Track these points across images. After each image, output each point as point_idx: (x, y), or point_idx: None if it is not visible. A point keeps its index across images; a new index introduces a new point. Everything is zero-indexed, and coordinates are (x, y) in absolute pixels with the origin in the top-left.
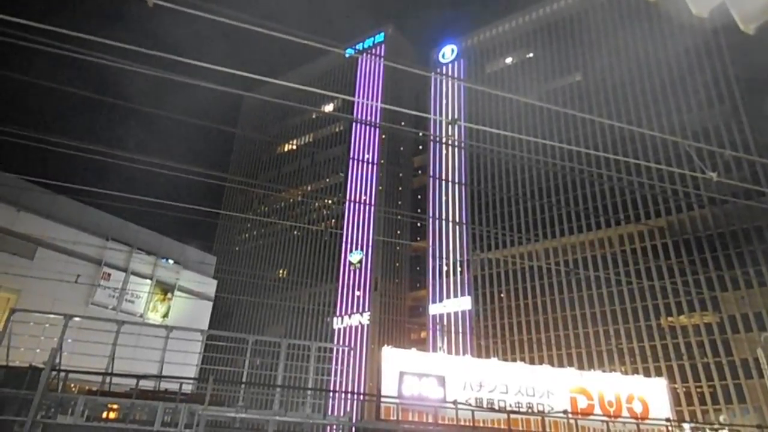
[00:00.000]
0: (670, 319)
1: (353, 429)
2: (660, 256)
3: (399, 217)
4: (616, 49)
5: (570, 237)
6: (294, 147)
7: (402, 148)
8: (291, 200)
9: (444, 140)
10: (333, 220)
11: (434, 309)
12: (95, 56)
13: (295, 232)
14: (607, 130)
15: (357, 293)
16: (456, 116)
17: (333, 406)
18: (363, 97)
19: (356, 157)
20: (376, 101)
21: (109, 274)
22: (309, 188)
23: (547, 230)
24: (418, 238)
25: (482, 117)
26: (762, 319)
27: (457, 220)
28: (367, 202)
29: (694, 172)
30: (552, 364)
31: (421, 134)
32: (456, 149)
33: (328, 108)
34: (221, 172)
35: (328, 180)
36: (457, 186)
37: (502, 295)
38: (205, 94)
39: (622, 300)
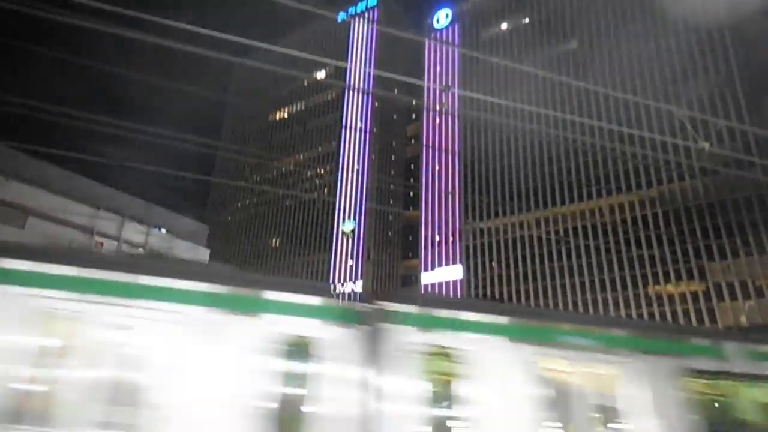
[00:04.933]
0: (657, 287)
1: None
2: (650, 226)
3: (392, 186)
4: (612, 17)
5: (561, 207)
6: (286, 115)
7: (395, 117)
8: (283, 169)
9: (438, 108)
10: (325, 189)
11: (426, 278)
12: (79, 19)
13: (288, 202)
14: (601, 99)
15: (350, 262)
16: (450, 83)
17: None
18: (355, 64)
19: (349, 125)
20: (369, 67)
21: (102, 243)
22: (301, 157)
23: (539, 200)
24: (411, 208)
25: (477, 84)
26: (747, 287)
27: (450, 189)
28: (360, 171)
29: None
30: None
31: (414, 102)
32: (450, 118)
33: (320, 75)
34: (212, 141)
35: (320, 149)
36: (450, 155)
37: (493, 264)
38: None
39: (611, 269)
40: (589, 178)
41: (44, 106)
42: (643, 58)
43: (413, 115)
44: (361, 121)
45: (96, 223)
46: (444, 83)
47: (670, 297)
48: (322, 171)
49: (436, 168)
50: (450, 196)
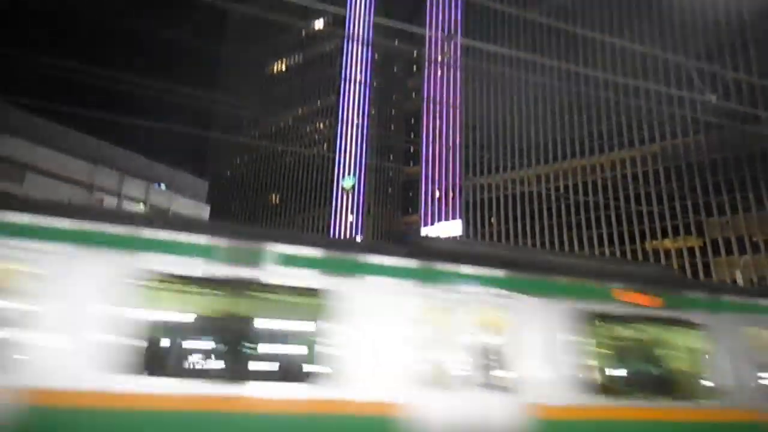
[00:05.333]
0: (654, 242)
1: None
2: (650, 182)
3: (392, 141)
4: None
5: (563, 162)
6: (284, 68)
7: (396, 70)
8: (282, 124)
9: (440, 59)
10: (325, 145)
11: (426, 233)
12: None
13: (288, 158)
14: (607, 49)
15: (350, 218)
16: (452, 32)
17: None
18: (355, 12)
19: (348, 78)
20: (369, 15)
21: (102, 200)
22: (300, 111)
23: (540, 155)
24: (411, 163)
25: (480, 34)
26: (743, 243)
27: (451, 144)
28: (360, 125)
29: (694, 93)
30: None
31: (415, 54)
32: (452, 70)
33: (319, 24)
34: (209, 95)
35: (319, 103)
36: (451, 109)
37: (492, 219)
38: (191, 11)
39: (609, 224)
40: (591, 133)
41: (40, 60)
42: (652, 9)
43: (414, 68)
44: (361, 73)
45: (95, 179)
46: (446, 32)
47: (667, 252)
48: (322, 126)
49: (437, 123)
50: (450, 151)
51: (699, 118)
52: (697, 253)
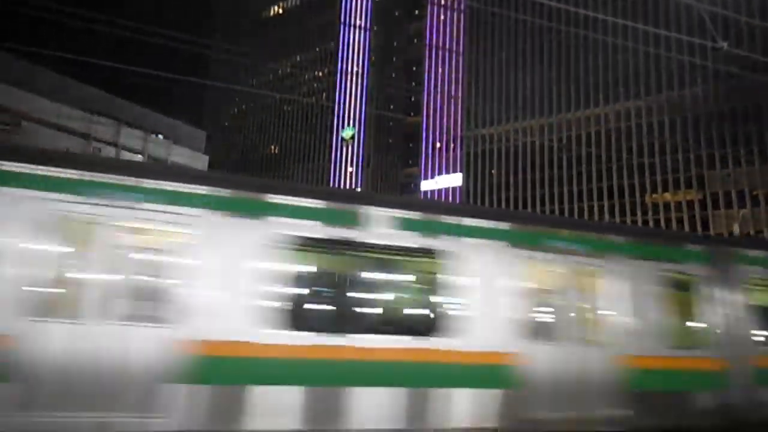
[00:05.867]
0: (654, 195)
1: None
2: (654, 134)
3: (393, 90)
4: None
5: (567, 113)
6: (280, 11)
7: (397, 14)
8: (279, 72)
9: (443, 1)
10: (324, 94)
11: (426, 185)
12: None
13: (286, 107)
14: None
15: (350, 169)
16: None
17: None
18: None
19: (348, 22)
20: None
21: (100, 149)
22: (298, 58)
23: (544, 106)
24: (412, 113)
25: None
26: (744, 196)
27: (453, 93)
28: (360, 73)
29: (705, 40)
30: None
31: None
32: (455, 13)
33: None
34: (202, 40)
35: (317, 49)
36: (454, 56)
37: (493, 171)
38: None
39: (610, 177)
40: (597, 83)
41: (34, 6)
42: None
43: (416, 11)
44: (361, 18)
45: (92, 129)
46: None
47: (666, 205)
48: (320, 74)
49: (439, 70)
50: (453, 100)
51: (708, 66)
52: (697, 207)
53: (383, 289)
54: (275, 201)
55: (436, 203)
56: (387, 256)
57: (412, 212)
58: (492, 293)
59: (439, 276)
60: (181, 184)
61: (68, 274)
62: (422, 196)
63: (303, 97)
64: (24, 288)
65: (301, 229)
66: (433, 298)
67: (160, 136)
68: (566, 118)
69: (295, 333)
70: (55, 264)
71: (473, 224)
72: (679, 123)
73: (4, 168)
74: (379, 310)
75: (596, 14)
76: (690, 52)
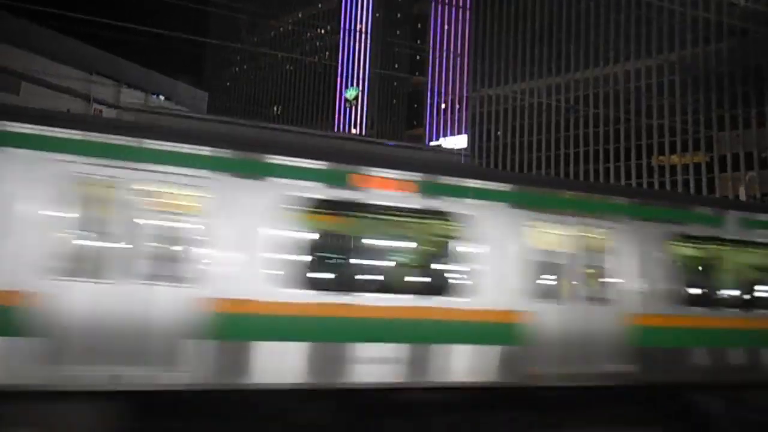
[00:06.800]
0: (661, 158)
1: None
2: (664, 94)
3: (397, 49)
4: None
5: (575, 73)
6: None
7: None
8: (281, 29)
9: None
10: (327, 53)
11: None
12: None
13: (288, 66)
14: None
15: (353, 131)
16: None
17: None
18: None
19: None
20: None
21: (101, 111)
22: (300, 15)
23: (552, 65)
24: (417, 73)
25: None
26: (752, 158)
27: (459, 52)
28: (363, 31)
29: None
30: None
31: None
32: None
33: None
34: None
35: (320, 5)
36: (461, 12)
37: (498, 133)
38: None
39: (618, 139)
40: (607, 40)
41: None
42: None
43: None
44: None
45: (92, 89)
46: None
47: (673, 168)
48: (323, 31)
49: (446, 27)
50: (459, 59)
51: (723, 22)
52: (703, 169)
53: (394, 250)
54: (288, 163)
55: (444, 165)
56: (398, 218)
57: (422, 174)
58: (500, 254)
59: (449, 237)
60: (198, 147)
61: (93, 236)
62: None
63: (305, 57)
64: (50, 249)
65: (314, 191)
66: (443, 259)
67: (161, 97)
68: (574, 79)
69: (309, 292)
70: (79, 226)
71: (482, 186)
72: (690, 83)
73: (27, 131)
74: (390, 271)
75: None
76: (705, 7)
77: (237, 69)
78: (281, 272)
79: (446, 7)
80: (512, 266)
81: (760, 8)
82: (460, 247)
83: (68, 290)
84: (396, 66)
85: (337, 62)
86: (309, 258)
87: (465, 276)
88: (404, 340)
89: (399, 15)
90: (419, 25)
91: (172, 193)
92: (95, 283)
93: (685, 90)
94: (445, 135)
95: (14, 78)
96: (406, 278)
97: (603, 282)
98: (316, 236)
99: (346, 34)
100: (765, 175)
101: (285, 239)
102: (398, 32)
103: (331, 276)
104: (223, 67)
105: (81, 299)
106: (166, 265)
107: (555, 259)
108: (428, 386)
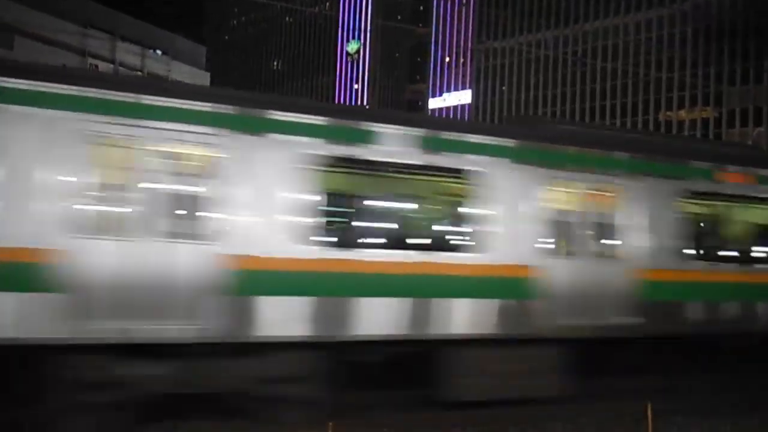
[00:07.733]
0: (668, 113)
1: None
2: (675, 46)
3: None
4: None
5: (584, 24)
6: None
7: None
8: None
9: None
10: (327, 3)
11: (433, 103)
12: None
13: (288, 18)
14: None
15: (355, 86)
16: None
17: None
18: None
19: None
20: None
21: (97, 66)
22: None
23: (561, 15)
24: (421, 24)
25: None
26: (761, 113)
27: (465, 1)
28: None
29: None
30: None
31: None
32: None
33: None
34: None
35: None
36: None
37: (504, 88)
38: None
39: (625, 94)
40: None
41: None
42: None
43: None
44: None
45: (87, 43)
46: None
47: (680, 123)
48: None
49: None
50: (464, 8)
51: None
52: (711, 125)
53: (409, 208)
54: (304, 121)
55: (459, 122)
56: (414, 176)
57: (434, 131)
58: (513, 211)
59: (463, 195)
60: (215, 105)
61: (118, 195)
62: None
63: (305, 7)
64: (76, 207)
65: (330, 149)
66: (461, 216)
67: (159, 52)
68: (583, 30)
69: (327, 249)
70: (106, 185)
71: (494, 143)
72: (702, 34)
73: (47, 89)
74: (405, 227)
75: None
76: None
77: (235, 22)
78: (300, 229)
79: None
80: (524, 222)
81: None
82: (474, 205)
83: (93, 248)
84: (399, 17)
85: (338, 13)
86: (318, 215)
87: (479, 232)
88: (413, 295)
89: None
90: None
91: (194, 155)
92: (117, 240)
93: (697, 42)
94: (449, 90)
95: (7, 32)
96: (416, 234)
97: (614, 237)
98: (342, 196)
99: None
100: None
101: (305, 199)
102: None
103: (338, 233)
104: (221, 21)
105: (104, 257)
106: (185, 223)
107: (568, 216)
108: (447, 338)
